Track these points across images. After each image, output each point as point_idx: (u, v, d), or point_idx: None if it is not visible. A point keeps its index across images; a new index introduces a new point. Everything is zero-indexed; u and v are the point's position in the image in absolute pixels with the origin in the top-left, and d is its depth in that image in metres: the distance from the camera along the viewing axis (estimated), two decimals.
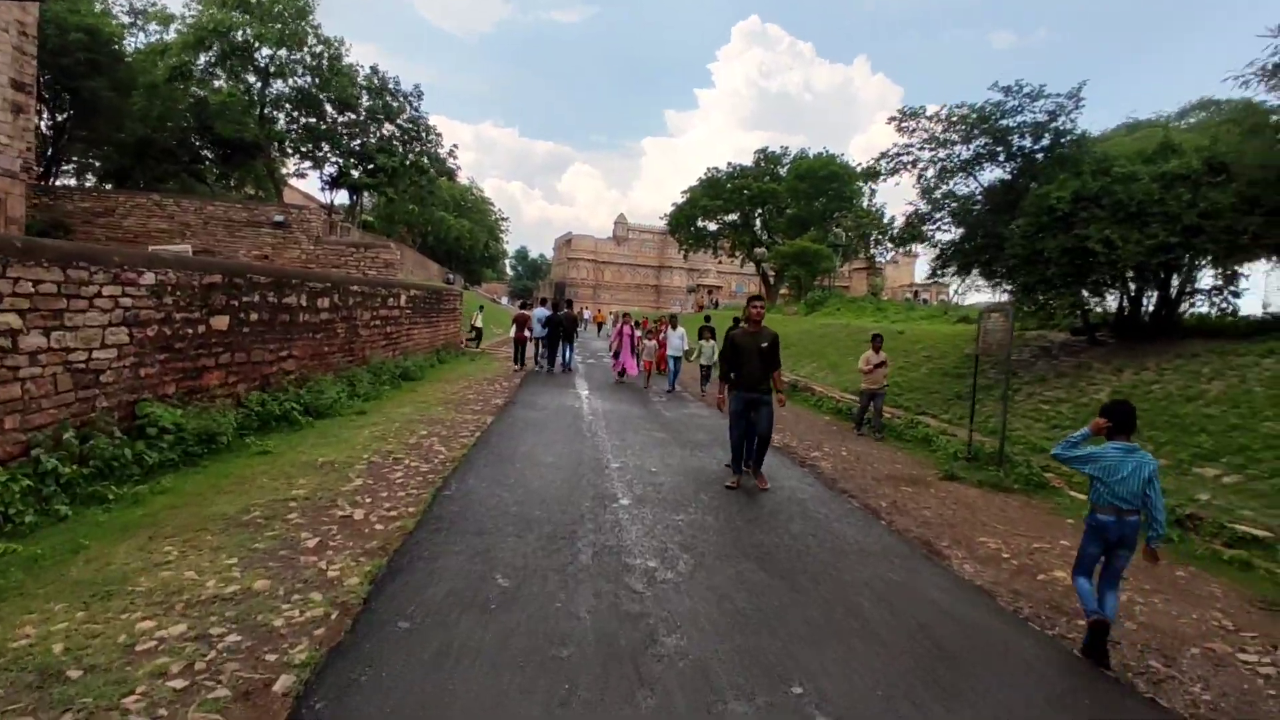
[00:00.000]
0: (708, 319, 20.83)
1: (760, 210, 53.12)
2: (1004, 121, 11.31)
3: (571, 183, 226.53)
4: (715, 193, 53.59)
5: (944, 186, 12.26)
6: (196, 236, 22.53)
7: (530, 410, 11.50)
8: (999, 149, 11.61)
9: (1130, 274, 10.57)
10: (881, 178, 13.15)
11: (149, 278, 6.66)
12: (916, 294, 54.47)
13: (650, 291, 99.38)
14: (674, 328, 16.11)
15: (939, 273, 13.58)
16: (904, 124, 12.40)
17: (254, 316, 8.75)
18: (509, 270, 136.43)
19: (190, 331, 7.39)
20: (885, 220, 28.65)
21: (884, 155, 12.96)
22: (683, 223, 56.46)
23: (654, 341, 16.71)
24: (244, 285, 8.45)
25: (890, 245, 29.34)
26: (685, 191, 56.38)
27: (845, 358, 17.62)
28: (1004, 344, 8.51)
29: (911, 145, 12.56)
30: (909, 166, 12.75)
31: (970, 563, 5.42)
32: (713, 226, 56.68)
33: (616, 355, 17.57)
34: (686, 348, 16.23)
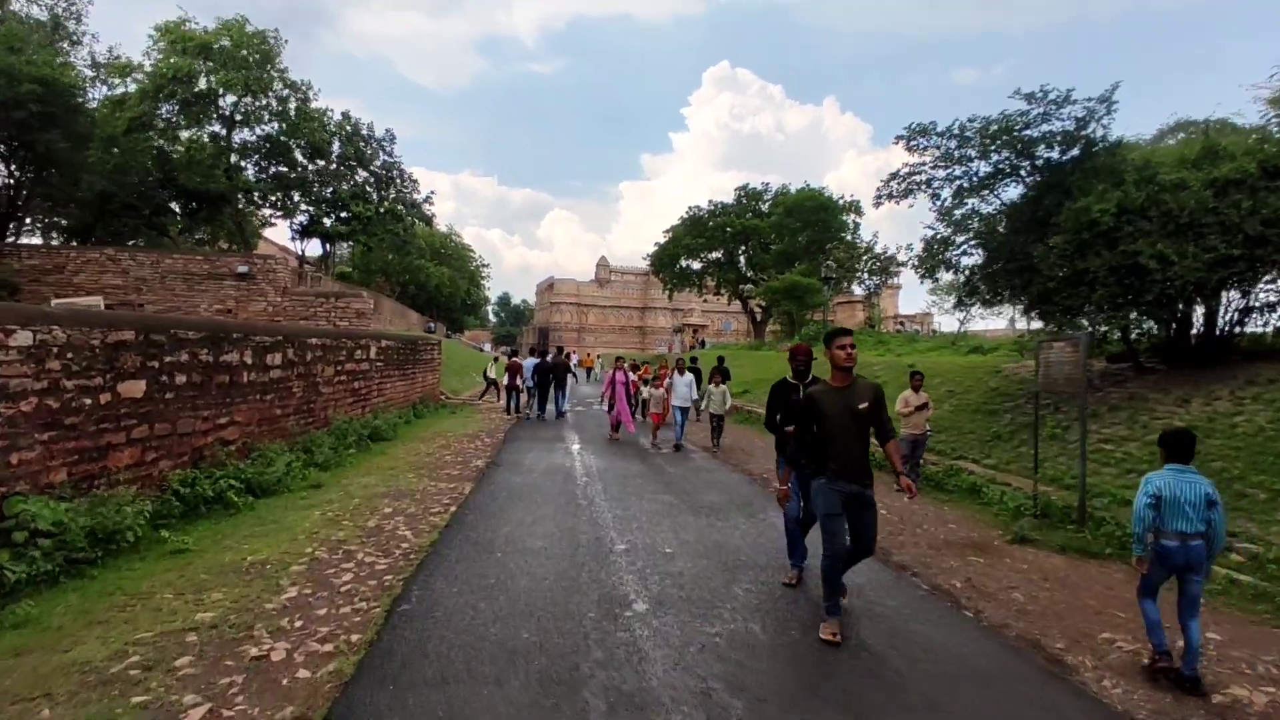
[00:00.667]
0: (720, 360, 19.65)
1: (744, 247, 52.53)
2: (1028, 132, 10.26)
3: (550, 228, 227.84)
4: (698, 231, 52.99)
5: (965, 206, 11.12)
6: (153, 291, 21.10)
7: (515, 473, 10.06)
8: (1022, 162, 10.54)
9: (1183, 292, 9.40)
10: (891, 200, 12.04)
11: (21, 337, 5.26)
12: (904, 325, 53.67)
13: (635, 333, 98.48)
14: (681, 373, 13.97)
15: (965, 301, 12.41)
16: (914, 142, 11.36)
17: (181, 379, 7.32)
18: (492, 317, 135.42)
19: (89, 402, 5.95)
20: (879, 250, 27.75)
21: (894, 176, 11.86)
22: (666, 262, 55.71)
23: (659, 390, 14.96)
24: (166, 343, 7.04)
25: (889, 274, 28.34)
26: (668, 230, 55.80)
27: None
28: (1074, 378, 7.24)
29: (923, 164, 11.50)
30: (922, 187, 11.65)
31: (1110, 676, 4.03)
32: (697, 265, 56.01)
33: (611, 408, 16.16)
34: (696, 397, 14.17)
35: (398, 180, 31.08)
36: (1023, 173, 10.62)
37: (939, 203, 11.56)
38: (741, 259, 53.50)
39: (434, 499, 7.99)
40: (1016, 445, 9.89)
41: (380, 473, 9.54)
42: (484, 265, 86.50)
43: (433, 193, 32.89)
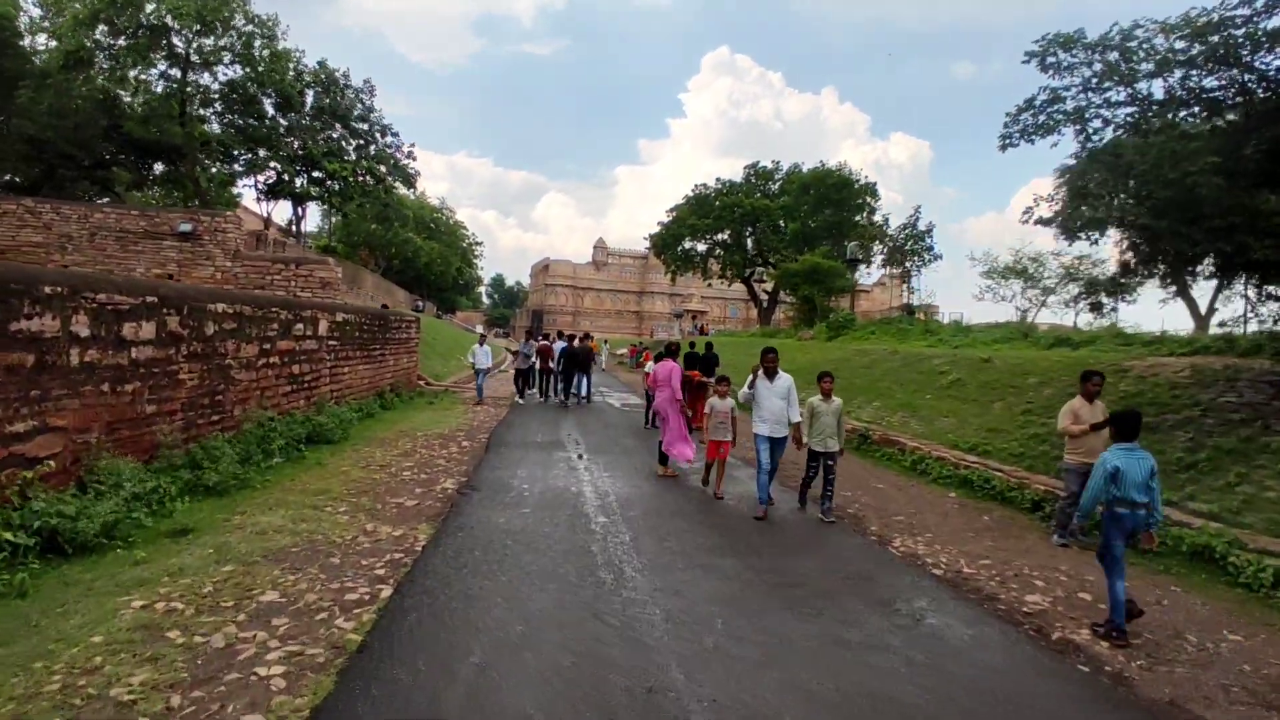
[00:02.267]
0: (709, 347, 16.50)
1: (752, 229, 49.35)
2: (1239, 34, 7.18)
3: (545, 211, 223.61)
4: (704, 211, 49.75)
5: (1134, 141, 8.02)
6: (80, 251, 17.83)
7: (498, 505, 6.96)
8: (1229, 77, 7.41)
9: None
10: (1026, 139, 8.94)
11: None
12: (913, 312, 50.44)
13: (631, 317, 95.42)
14: (771, 377, 7.60)
15: (1132, 271, 9.37)
16: (1051, 58, 8.22)
17: None
18: (485, 298, 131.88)
19: None
20: (920, 226, 24.52)
21: (1028, 106, 8.67)
22: (669, 243, 52.45)
23: (726, 400, 8.32)
24: None
25: (925, 255, 25.18)
26: (671, 210, 52.51)
27: (920, 395, 13.35)
28: None
29: (1070, 87, 8.40)
30: (1068, 120, 8.54)
31: None
32: (701, 247, 52.82)
33: (651, 418, 13.01)
34: (797, 418, 7.51)
35: (378, 136, 27.71)
36: (1232, 92, 7.49)
37: (1088, 138, 8.48)
38: (749, 241, 50.37)
39: (360, 568, 4.87)
40: (1228, 479, 6.84)
41: (298, 503, 6.42)
42: (477, 243, 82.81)
43: (414, 145, 29.31)
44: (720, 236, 51.15)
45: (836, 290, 31.58)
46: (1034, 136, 8.80)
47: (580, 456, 9.98)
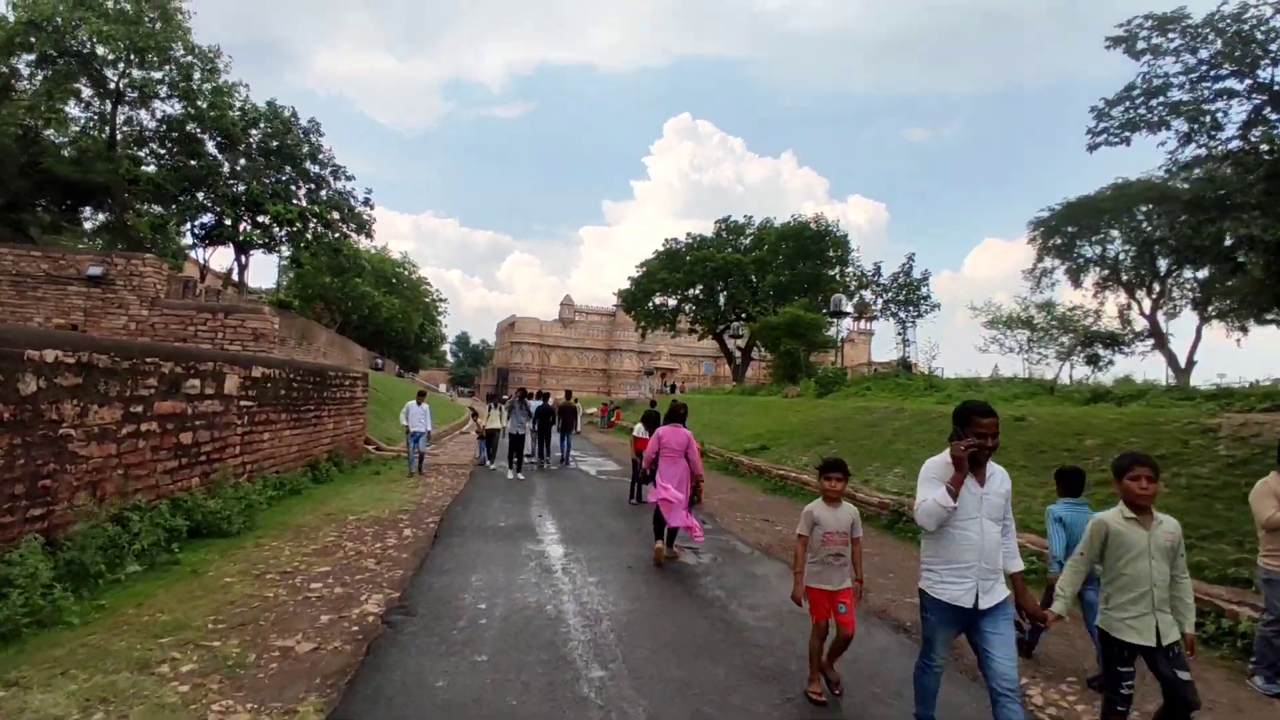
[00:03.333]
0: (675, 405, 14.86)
1: (724, 283, 48.11)
2: None
3: (511, 270, 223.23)
4: (675, 265, 48.49)
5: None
6: None
7: (441, 647, 4.68)
8: None
9: None
10: (1122, 139, 7.30)
11: None
12: (909, 366, 48.86)
13: (599, 375, 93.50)
14: (978, 468, 3.37)
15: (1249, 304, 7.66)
16: (1144, 43, 6.65)
17: None
18: (450, 357, 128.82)
19: None
20: (914, 274, 23.02)
21: (1125, 98, 7.04)
22: (639, 299, 51.00)
23: (842, 508, 4.49)
24: None
25: (920, 304, 23.57)
26: (641, 265, 51.24)
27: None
28: None
29: (1171, 75, 6.79)
30: (1173, 113, 6.88)
31: None
32: (672, 302, 51.42)
33: (637, 491, 11.15)
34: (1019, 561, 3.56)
35: (330, 180, 25.65)
36: None
37: (1207, 134, 6.83)
38: (722, 297, 49.10)
39: None
40: None
41: (122, 656, 4.09)
42: (440, 300, 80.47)
43: (370, 192, 27.29)
44: (692, 291, 49.86)
45: (819, 344, 30.02)
46: (1131, 133, 7.13)
47: (557, 550, 7.74)
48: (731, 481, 14.79)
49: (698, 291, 49.48)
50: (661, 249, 50.18)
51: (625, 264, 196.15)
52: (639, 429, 11.85)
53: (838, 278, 42.19)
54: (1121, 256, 39.37)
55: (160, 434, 7.28)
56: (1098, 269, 39.98)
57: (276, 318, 16.93)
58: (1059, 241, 40.14)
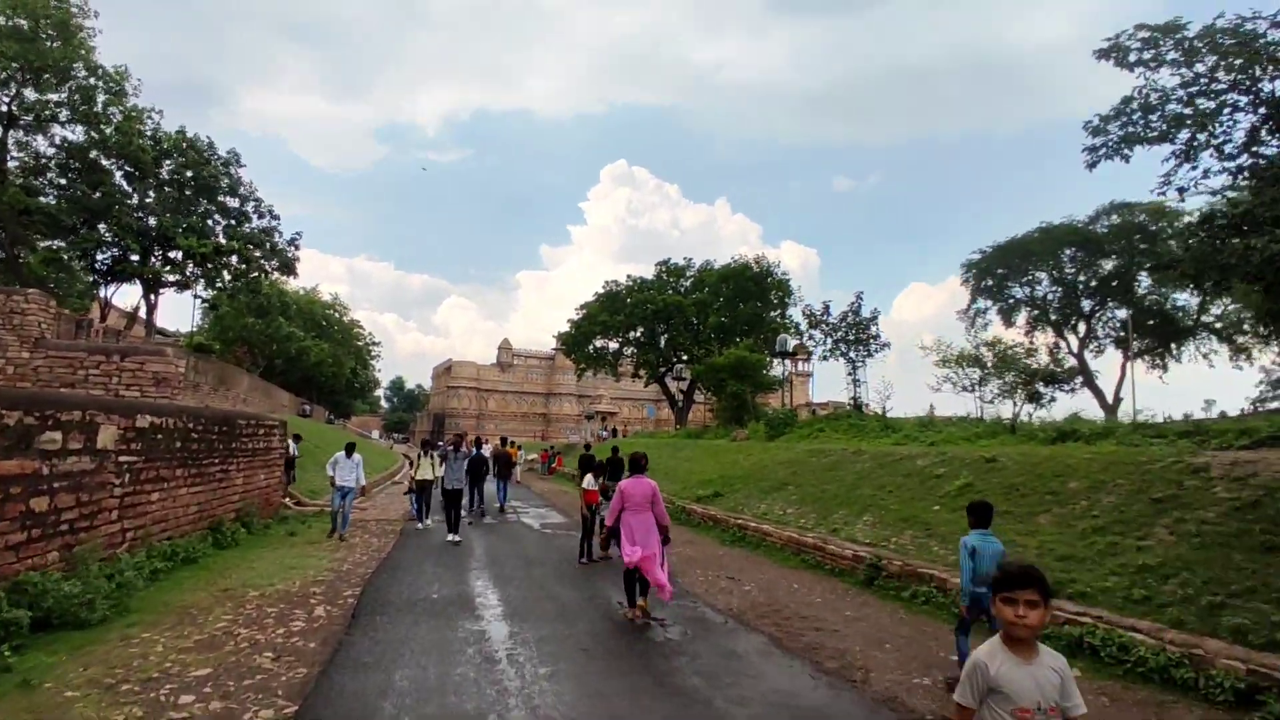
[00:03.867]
0: (615, 451, 14.08)
1: (665, 325, 47.67)
2: None
3: (447, 315, 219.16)
4: (615, 308, 47.88)
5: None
6: None
7: None
8: None
9: None
10: (1120, 154, 6.83)
11: None
12: (860, 407, 48.73)
13: (538, 420, 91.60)
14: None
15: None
16: (1137, 54, 6.24)
17: None
18: (384, 402, 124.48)
19: None
20: (864, 313, 22.82)
21: (1121, 112, 6.60)
22: (579, 342, 50.06)
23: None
24: None
25: (871, 343, 23.26)
26: (581, 308, 50.42)
27: (923, 507, 10.76)
28: None
29: (1167, 89, 6.37)
30: (1174, 126, 6.43)
31: None
32: (613, 345, 50.65)
33: (587, 549, 10.23)
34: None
35: (251, 215, 23.97)
36: None
37: (1206, 147, 6.38)
38: (663, 339, 48.61)
39: None
40: None
41: None
42: (374, 344, 77.67)
43: (299, 235, 25.63)
44: (633, 334, 49.24)
45: (764, 386, 29.54)
46: (1130, 149, 6.66)
47: (499, 625, 6.56)
48: (687, 533, 13.78)
49: (639, 334, 48.88)
50: (601, 291, 49.58)
51: (563, 308, 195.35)
52: (588, 481, 10.81)
53: (779, 318, 42.27)
54: (1049, 296, 40.90)
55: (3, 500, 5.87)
56: (1028, 309, 41.42)
57: (184, 360, 15.24)
58: (990, 283, 41.45)
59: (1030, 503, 9.34)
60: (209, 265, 22.00)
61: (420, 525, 13.66)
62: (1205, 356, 36.55)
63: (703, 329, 42.07)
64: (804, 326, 23.85)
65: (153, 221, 21.47)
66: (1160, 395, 60.19)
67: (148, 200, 21.60)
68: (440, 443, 17.14)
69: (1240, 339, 35.19)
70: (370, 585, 8.19)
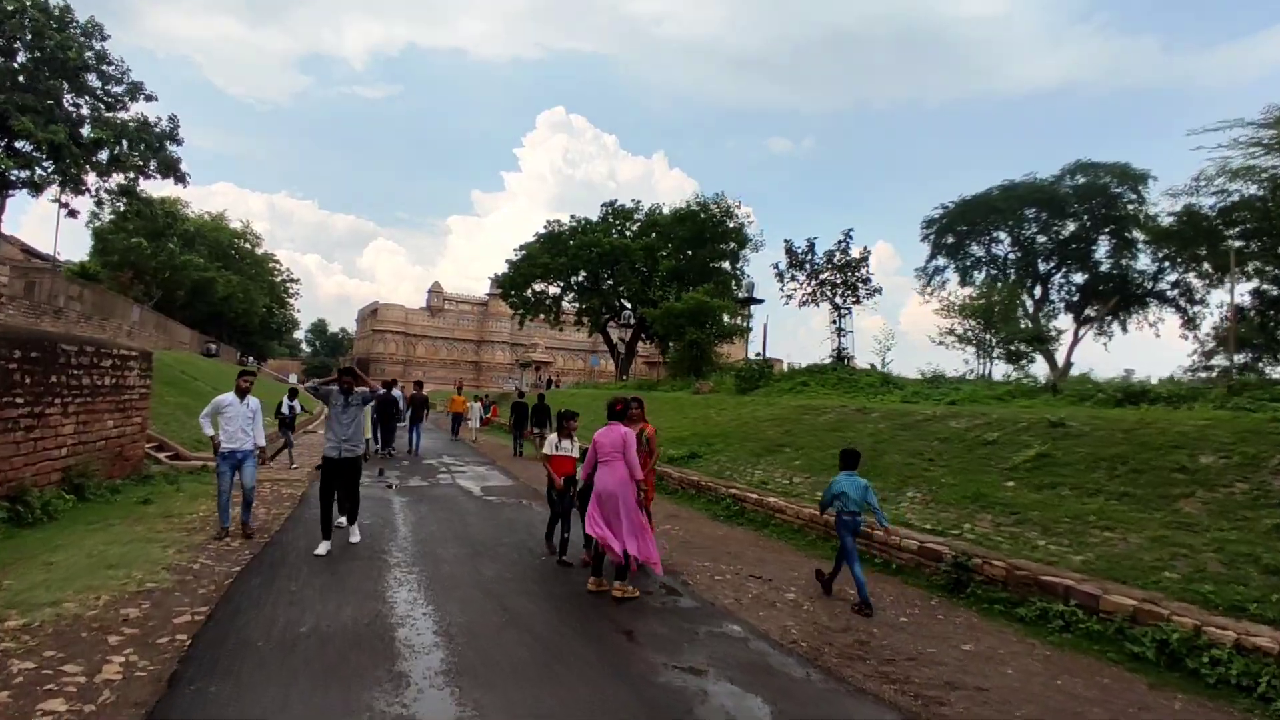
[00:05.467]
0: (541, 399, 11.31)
1: (610, 271, 44.53)
2: None
3: (374, 258, 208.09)
4: (557, 249, 44.35)
5: None
6: None
7: None
8: None
9: None
10: None
11: None
12: (845, 360, 46.55)
13: (469, 368, 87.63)
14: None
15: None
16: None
17: None
18: (305, 346, 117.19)
19: None
20: (847, 254, 20.27)
21: None
22: (518, 284, 46.38)
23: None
24: None
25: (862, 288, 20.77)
26: (520, 248, 46.67)
27: (988, 481, 8.42)
28: None
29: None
30: None
31: None
32: (553, 290, 47.24)
33: (564, 517, 7.16)
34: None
35: (124, 100, 19.30)
36: None
37: None
38: (608, 285, 45.54)
39: None
40: None
41: None
42: (291, 280, 71.38)
43: (175, 120, 20.31)
44: (574, 279, 45.97)
45: (725, 334, 27.03)
46: None
47: (440, 698, 3.71)
48: (667, 504, 11.14)
49: (581, 279, 45.66)
50: (543, 231, 45.93)
51: (496, 256, 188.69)
52: (549, 444, 7.60)
53: (732, 267, 39.54)
54: (1009, 257, 39.70)
55: None
56: (987, 268, 40.20)
57: (4, 272, 11.43)
58: (950, 240, 39.95)
59: (1154, 482, 7.02)
60: (65, 162, 17.53)
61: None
62: (1153, 325, 35.88)
63: (655, 274, 39.19)
64: (783, 265, 21.17)
65: None
66: (1101, 362, 60.92)
67: None
68: (314, 381, 13.78)
69: (1192, 309, 34.52)
70: (226, 602, 5.18)
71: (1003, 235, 38.99)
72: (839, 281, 19.63)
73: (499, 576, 6.37)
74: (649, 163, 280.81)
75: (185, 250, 37.13)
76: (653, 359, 61.64)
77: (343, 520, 7.56)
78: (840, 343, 19.95)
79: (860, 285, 19.62)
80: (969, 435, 9.95)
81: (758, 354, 18.57)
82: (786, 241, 21.55)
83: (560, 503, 7.10)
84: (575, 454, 7.13)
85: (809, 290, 20.37)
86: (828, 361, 19.86)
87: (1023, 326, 19.79)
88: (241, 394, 7.69)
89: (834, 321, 19.93)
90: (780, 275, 21.60)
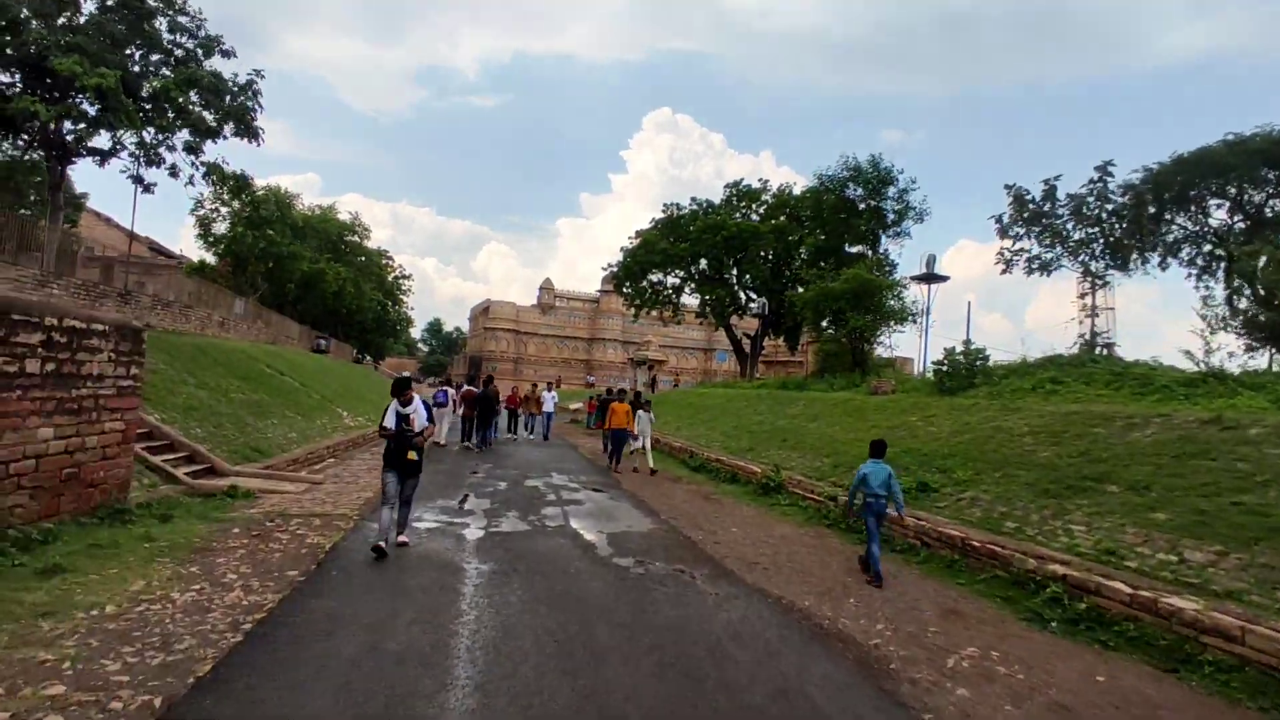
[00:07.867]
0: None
1: (736, 258, 39.54)
2: None
3: (486, 261, 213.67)
4: (678, 234, 39.86)
5: None
6: None
7: None
8: None
9: None
10: None
11: None
12: (1096, 346, 39.52)
13: (580, 366, 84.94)
14: None
15: None
16: None
17: None
18: (421, 345, 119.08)
19: None
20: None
21: None
22: (635, 274, 42.16)
23: None
24: None
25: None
26: (635, 235, 42.53)
27: None
28: None
29: None
30: None
31: None
32: (672, 280, 42.80)
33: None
34: None
35: (198, 53, 16.26)
36: None
37: None
38: (733, 274, 40.71)
39: None
40: None
41: None
42: (404, 277, 70.35)
43: (257, 75, 17.28)
44: (696, 268, 41.38)
45: (894, 318, 21.60)
46: None
47: None
48: (926, 581, 6.32)
49: (704, 266, 41.00)
50: (661, 215, 41.63)
51: (601, 257, 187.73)
52: None
53: (873, 250, 33.11)
54: (1234, 227, 31.56)
55: None
56: (1189, 247, 32.26)
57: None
58: (1152, 209, 32.39)
59: None
60: (123, 116, 14.67)
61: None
62: None
63: (792, 258, 34.09)
64: (1006, 219, 15.70)
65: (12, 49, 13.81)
66: None
67: (21, 17, 13.99)
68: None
69: None
70: None
71: (1214, 204, 30.83)
72: (1097, 238, 14.14)
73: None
74: (756, 160, 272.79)
75: (277, 236, 35.15)
76: (773, 358, 56.10)
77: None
78: (1093, 324, 14.35)
79: (1131, 241, 13.95)
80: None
81: (966, 341, 13.49)
82: (1009, 186, 15.79)
83: None
84: None
85: (1040, 253, 14.87)
86: (1073, 350, 14.31)
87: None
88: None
89: (1081, 295, 14.38)
90: (1004, 231, 16.10)
